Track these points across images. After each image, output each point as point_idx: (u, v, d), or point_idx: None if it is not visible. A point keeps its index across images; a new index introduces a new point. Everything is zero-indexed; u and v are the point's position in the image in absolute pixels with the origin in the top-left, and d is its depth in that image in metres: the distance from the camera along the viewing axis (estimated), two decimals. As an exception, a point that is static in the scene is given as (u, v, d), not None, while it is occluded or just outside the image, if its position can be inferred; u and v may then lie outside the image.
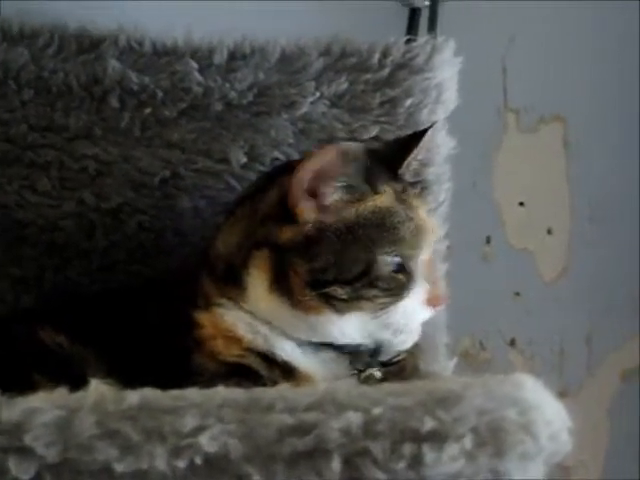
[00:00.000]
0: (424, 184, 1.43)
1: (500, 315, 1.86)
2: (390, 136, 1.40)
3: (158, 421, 0.84)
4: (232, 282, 1.17)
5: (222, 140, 1.41)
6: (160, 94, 1.39)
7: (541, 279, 1.88)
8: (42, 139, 1.39)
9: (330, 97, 1.42)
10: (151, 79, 1.40)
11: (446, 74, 1.44)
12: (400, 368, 1.22)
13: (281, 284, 1.15)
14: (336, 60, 1.42)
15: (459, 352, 1.78)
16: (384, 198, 1.15)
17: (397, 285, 1.14)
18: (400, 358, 1.22)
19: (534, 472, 0.89)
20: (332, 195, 1.14)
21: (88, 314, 1.20)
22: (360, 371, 1.18)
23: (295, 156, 1.39)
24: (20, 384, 0.91)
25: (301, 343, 1.16)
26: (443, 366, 1.37)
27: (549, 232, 1.88)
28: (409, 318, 1.17)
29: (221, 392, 0.89)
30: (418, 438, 0.85)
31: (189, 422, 0.84)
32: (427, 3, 1.56)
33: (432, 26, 1.55)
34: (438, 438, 0.85)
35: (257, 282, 1.16)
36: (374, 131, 1.42)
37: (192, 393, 0.88)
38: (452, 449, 0.85)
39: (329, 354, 1.17)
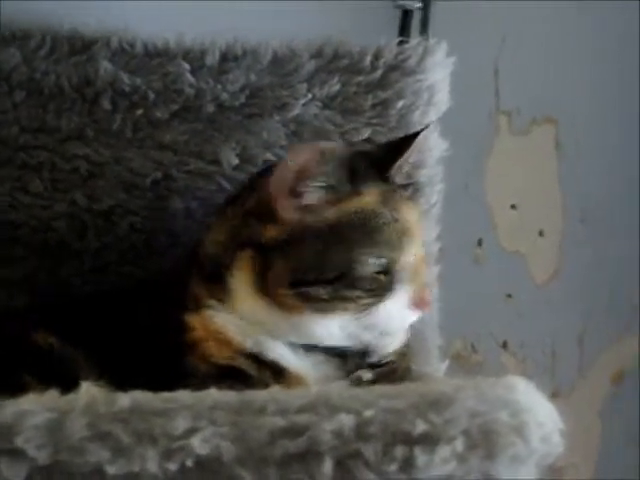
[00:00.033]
0: (416, 186, 1.43)
1: (492, 317, 1.86)
2: (382, 138, 1.40)
3: (149, 423, 0.84)
4: (219, 283, 1.17)
5: (214, 142, 1.41)
6: (152, 96, 1.39)
7: (533, 281, 1.88)
8: (34, 140, 1.39)
9: (322, 99, 1.42)
10: (143, 80, 1.39)
11: (438, 76, 1.44)
12: (391, 370, 1.22)
13: (264, 284, 1.15)
14: (328, 62, 1.42)
15: (451, 354, 1.78)
16: (368, 199, 1.15)
17: (380, 286, 1.14)
18: (389, 360, 1.21)
19: (526, 474, 0.89)
20: (312, 195, 1.14)
21: (80, 315, 1.20)
22: (350, 373, 1.18)
23: (287, 158, 1.39)
24: (11, 386, 0.91)
25: (290, 344, 1.16)
26: (435, 368, 1.37)
27: (541, 234, 1.88)
28: (392, 320, 1.16)
29: (213, 394, 0.89)
30: (410, 440, 0.85)
31: (180, 424, 0.84)
32: (419, 5, 1.56)
33: (424, 28, 1.55)
34: (430, 440, 0.85)
35: (241, 282, 1.17)
36: (366, 133, 1.42)
37: (183, 395, 0.88)
38: (444, 451, 0.85)
39: (319, 356, 1.17)
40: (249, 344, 1.15)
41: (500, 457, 0.86)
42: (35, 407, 0.83)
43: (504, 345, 1.89)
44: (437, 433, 0.85)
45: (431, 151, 1.44)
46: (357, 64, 1.43)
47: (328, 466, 0.84)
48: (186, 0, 1.51)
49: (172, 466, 0.83)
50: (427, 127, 1.32)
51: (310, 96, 1.42)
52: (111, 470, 0.82)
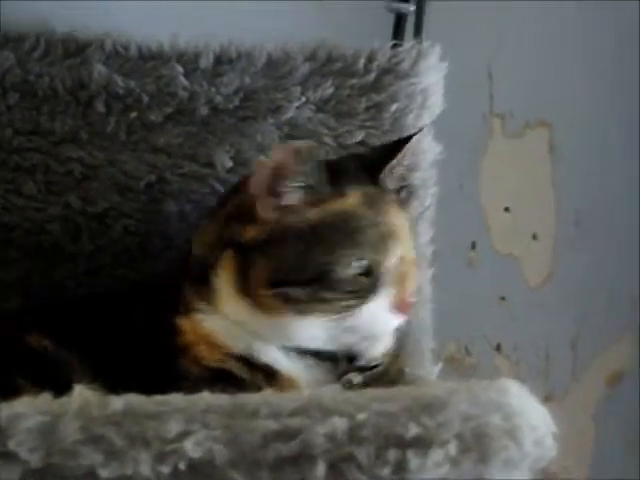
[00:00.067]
0: (410, 188, 1.43)
1: (486, 320, 1.87)
2: (376, 141, 1.40)
3: (142, 426, 0.84)
4: (207, 285, 1.17)
5: (208, 144, 1.41)
6: (146, 98, 1.39)
7: (526, 284, 1.89)
8: (28, 143, 1.39)
9: (316, 102, 1.42)
10: (137, 83, 1.39)
11: (432, 79, 1.44)
12: (383, 372, 1.22)
13: (245, 285, 1.15)
14: (322, 65, 1.42)
15: (445, 357, 1.79)
16: (351, 201, 1.14)
17: (360, 288, 1.13)
18: (378, 363, 1.21)
19: (519, 478, 0.89)
20: (292, 195, 1.13)
21: (74, 318, 1.20)
22: (341, 376, 1.17)
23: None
24: (4, 389, 0.91)
25: (280, 347, 1.16)
26: (428, 371, 1.38)
27: (534, 237, 1.88)
28: (374, 323, 1.15)
29: (205, 397, 0.88)
30: (403, 444, 0.85)
31: (173, 427, 0.84)
32: (413, 8, 1.56)
33: (418, 31, 1.55)
34: (423, 444, 0.85)
35: (224, 283, 1.17)
36: (360, 136, 1.42)
37: (176, 398, 0.88)
38: (436, 455, 0.85)
39: (309, 359, 1.17)
40: (239, 347, 1.15)
41: (493, 461, 0.86)
42: (28, 410, 0.83)
43: (498, 348, 1.89)
44: (430, 436, 0.85)
45: (425, 154, 1.44)
46: (351, 67, 1.43)
47: (321, 469, 0.84)
48: (180, 2, 1.51)
49: (165, 469, 0.83)
50: (420, 131, 1.32)
51: (304, 99, 1.42)
52: (104, 473, 0.82)
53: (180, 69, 1.40)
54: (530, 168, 1.85)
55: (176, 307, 1.16)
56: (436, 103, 1.45)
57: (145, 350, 1.12)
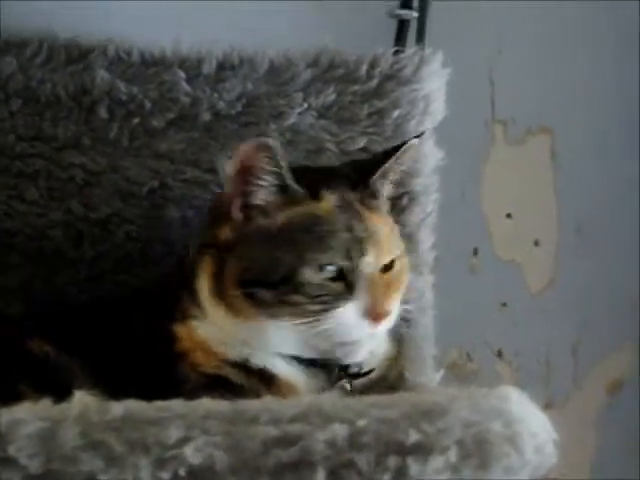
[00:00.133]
0: (412, 195, 1.43)
1: (487, 326, 1.86)
2: (378, 147, 1.40)
3: (142, 432, 0.84)
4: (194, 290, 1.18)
5: (210, 150, 1.41)
6: (148, 104, 1.39)
7: (528, 291, 1.88)
8: (30, 149, 1.39)
9: (318, 108, 1.42)
10: (139, 89, 1.40)
11: (434, 85, 1.44)
12: (381, 378, 1.21)
13: (219, 287, 1.15)
14: (324, 71, 1.42)
15: (446, 363, 1.78)
16: (325, 205, 1.14)
17: (330, 293, 1.11)
18: (370, 369, 1.20)
19: (519, 484, 0.89)
20: (260, 194, 1.13)
21: (76, 324, 1.20)
22: (334, 383, 1.17)
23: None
24: (5, 394, 0.91)
25: (273, 353, 1.15)
26: (430, 378, 1.37)
27: (536, 244, 1.88)
28: (346, 330, 1.13)
29: (205, 403, 0.89)
30: (403, 450, 0.85)
31: (173, 433, 0.84)
32: (415, 15, 1.56)
33: (420, 38, 1.55)
34: (423, 450, 0.85)
35: (203, 287, 1.17)
36: (362, 142, 1.42)
37: (176, 404, 0.88)
38: (437, 462, 0.85)
39: (302, 366, 1.16)
40: (232, 353, 1.14)
41: (493, 467, 0.86)
42: (28, 416, 0.83)
43: (499, 354, 1.89)
44: (430, 443, 0.85)
45: (427, 160, 1.44)
46: (353, 73, 1.43)
47: (321, 476, 0.84)
48: (180, 2, 1.51)
49: (165, 475, 0.83)
50: (417, 136, 1.29)
51: (306, 105, 1.42)
52: (104, 479, 0.82)
53: (182, 75, 1.40)
54: (532, 174, 1.85)
55: (174, 313, 1.17)
56: (438, 109, 1.45)
57: (145, 356, 1.12)
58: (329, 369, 1.17)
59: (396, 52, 1.46)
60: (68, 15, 1.44)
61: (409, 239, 1.41)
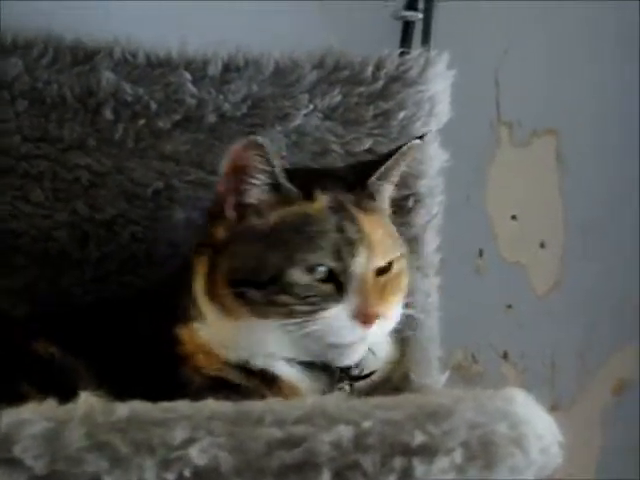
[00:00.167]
0: (417, 197, 1.43)
1: (492, 328, 1.86)
2: (383, 149, 1.40)
3: (147, 433, 0.84)
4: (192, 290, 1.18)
5: (215, 152, 1.40)
6: (154, 106, 1.40)
7: (533, 292, 1.88)
8: (36, 150, 1.40)
9: (323, 110, 1.42)
10: (145, 90, 1.40)
11: (439, 87, 1.44)
12: (385, 379, 1.21)
13: (212, 287, 1.15)
14: (329, 73, 1.42)
15: (452, 365, 1.78)
16: (317, 205, 1.14)
17: (319, 295, 1.10)
18: (371, 371, 1.19)
19: (525, 486, 0.89)
20: (254, 192, 1.13)
21: (81, 325, 1.20)
22: (335, 385, 1.16)
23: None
24: (11, 395, 0.91)
25: (271, 355, 1.15)
26: (436, 379, 1.37)
27: (542, 245, 1.88)
28: (335, 332, 1.11)
29: (210, 405, 0.88)
30: (408, 452, 0.85)
31: (179, 434, 0.84)
32: (421, 16, 1.56)
33: (426, 39, 1.55)
34: (428, 452, 0.85)
35: (199, 287, 1.17)
36: (367, 143, 1.42)
37: (182, 405, 0.88)
38: (442, 463, 0.85)
39: (304, 367, 1.16)
40: (232, 355, 1.14)
41: (499, 468, 0.86)
42: (33, 416, 0.83)
43: (504, 356, 1.89)
44: (436, 444, 0.85)
45: (432, 161, 1.44)
46: (358, 75, 1.43)
47: (326, 477, 0.84)
48: (181, 2, 1.51)
49: (170, 476, 0.83)
50: (419, 137, 1.28)
51: (312, 107, 1.42)
52: (109, 480, 0.82)
53: (188, 76, 1.40)
54: (537, 176, 1.85)
55: (178, 315, 1.17)
56: (443, 111, 1.45)
57: (150, 358, 1.12)
58: (330, 371, 1.16)
59: (401, 54, 1.46)
60: (68, 15, 1.44)
61: (414, 241, 1.41)
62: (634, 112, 1.81)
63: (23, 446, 0.82)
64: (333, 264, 1.11)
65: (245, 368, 1.14)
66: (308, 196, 1.14)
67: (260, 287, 1.11)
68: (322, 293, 1.11)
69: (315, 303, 1.10)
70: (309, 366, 1.16)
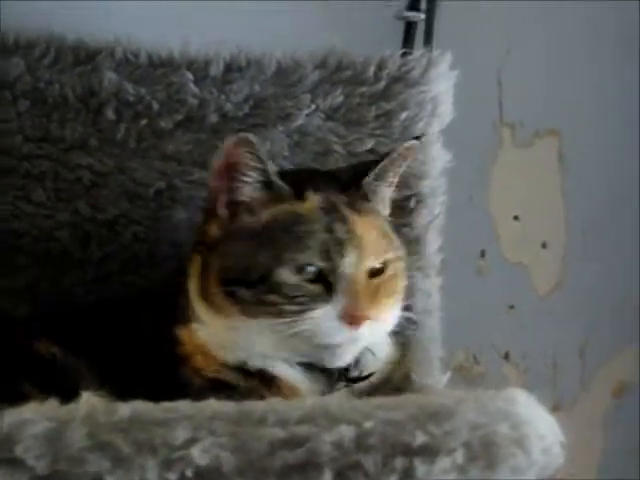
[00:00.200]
0: (419, 197, 1.43)
1: (494, 329, 1.86)
2: (385, 149, 1.39)
3: (149, 433, 0.84)
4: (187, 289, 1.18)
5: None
6: (156, 106, 1.40)
7: (535, 293, 1.88)
8: (38, 150, 1.40)
9: (325, 110, 1.42)
10: (147, 91, 1.40)
11: (442, 87, 1.44)
12: (385, 380, 1.20)
13: (204, 285, 1.15)
14: (332, 73, 1.42)
15: (453, 366, 1.78)
16: (308, 205, 1.13)
17: (307, 295, 1.10)
18: (370, 373, 1.18)
19: (526, 486, 0.89)
20: (245, 190, 1.13)
21: (83, 325, 1.20)
22: (334, 386, 1.16)
23: (290, 168, 1.39)
24: (12, 395, 0.91)
25: (268, 356, 1.14)
26: (437, 380, 1.37)
27: (544, 246, 1.88)
28: (322, 333, 1.10)
29: (212, 405, 0.88)
30: (410, 452, 0.85)
31: (180, 434, 0.84)
32: (423, 17, 1.56)
33: (428, 39, 1.55)
34: (430, 452, 0.85)
35: (192, 287, 1.17)
36: (369, 144, 1.42)
37: (183, 405, 0.88)
38: (444, 463, 0.85)
39: (302, 367, 1.15)
40: (230, 357, 1.14)
41: (500, 469, 0.86)
42: (35, 416, 0.83)
43: (506, 356, 1.89)
44: (437, 445, 0.85)
45: (434, 162, 1.44)
46: (361, 75, 1.43)
47: (328, 477, 0.84)
48: (181, 2, 1.52)
49: (172, 476, 0.83)
50: (417, 138, 1.28)
51: (314, 107, 1.42)
52: (111, 480, 0.82)
53: (190, 76, 1.40)
54: (540, 177, 1.85)
55: (177, 315, 1.16)
56: (446, 111, 1.45)
57: (151, 358, 1.12)
58: (329, 372, 1.16)
59: (404, 54, 1.46)
60: (68, 15, 1.44)
61: (416, 241, 1.41)
62: (635, 112, 1.81)
63: (25, 446, 0.82)
64: (322, 264, 1.10)
65: (243, 369, 1.14)
66: (299, 196, 1.14)
67: (250, 286, 1.11)
68: (310, 293, 1.10)
69: (303, 303, 1.10)
70: (308, 367, 1.15)
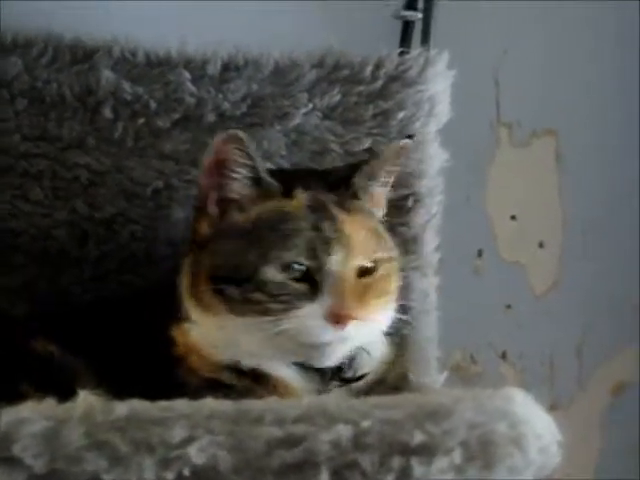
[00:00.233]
0: (416, 197, 1.43)
1: (491, 328, 1.86)
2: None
3: (147, 432, 0.84)
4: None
5: (215, 151, 1.41)
6: (153, 104, 1.40)
7: (532, 292, 1.88)
8: (35, 149, 1.40)
9: (323, 109, 1.42)
10: (144, 89, 1.40)
11: (439, 87, 1.44)
12: (380, 380, 1.20)
13: (195, 284, 1.15)
14: (329, 72, 1.42)
15: (450, 365, 1.78)
16: (295, 203, 1.13)
17: (292, 293, 1.09)
18: (364, 373, 1.18)
19: (523, 485, 0.89)
20: (235, 187, 1.13)
21: (80, 324, 1.20)
22: (328, 386, 1.15)
23: (287, 167, 1.39)
24: (10, 394, 0.91)
25: (261, 355, 1.14)
26: (434, 379, 1.37)
27: (540, 245, 1.88)
28: (307, 332, 1.10)
29: (209, 403, 0.88)
30: (407, 451, 0.85)
31: (178, 433, 0.84)
32: (420, 16, 1.56)
33: (425, 39, 1.55)
34: (427, 451, 0.85)
35: (184, 287, 1.17)
36: (367, 143, 1.43)
37: (181, 404, 0.88)
38: (441, 462, 0.85)
39: (296, 369, 1.15)
40: (223, 356, 1.14)
41: (498, 468, 0.86)
42: (32, 415, 0.83)
43: (503, 356, 1.89)
44: (435, 444, 0.85)
45: (431, 161, 1.44)
46: (358, 74, 1.43)
47: (325, 477, 0.84)
48: (182, 2, 1.52)
49: (169, 475, 0.83)
50: (409, 137, 1.28)
51: (311, 106, 1.42)
52: (108, 479, 0.82)
53: (188, 75, 1.40)
54: (537, 176, 1.85)
55: (173, 315, 1.16)
56: (443, 111, 1.45)
57: (148, 357, 1.11)
58: (323, 371, 1.15)
59: (401, 53, 1.47)
60: (68, 15, 1.44)
61: (414, 241, 1.41)
62: (634, 112, 1.81)
63: (22, 445, 0.82)
64: (308, 262, 1.10)
65: (237, 369, 1.13)
66: (287, 193, 1.14)
67: (238, 284, 1.11)
68: (296, 292, 1.10)
69: (288, 301, 1.09)
70: (302, 366, 1.15)
